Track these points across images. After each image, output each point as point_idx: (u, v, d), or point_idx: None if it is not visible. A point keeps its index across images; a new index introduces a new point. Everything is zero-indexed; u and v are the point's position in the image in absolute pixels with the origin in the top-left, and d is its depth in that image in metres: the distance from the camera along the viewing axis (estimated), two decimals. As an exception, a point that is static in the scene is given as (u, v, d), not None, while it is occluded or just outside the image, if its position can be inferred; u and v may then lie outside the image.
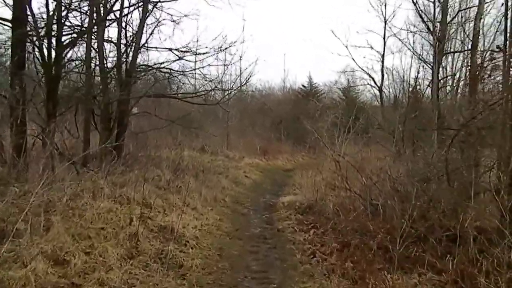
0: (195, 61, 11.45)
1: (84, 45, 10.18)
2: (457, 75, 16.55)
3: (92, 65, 10.39)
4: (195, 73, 11.37)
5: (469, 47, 13.64)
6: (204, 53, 10.26)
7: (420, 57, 16.58)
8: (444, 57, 16.50)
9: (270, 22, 49.85)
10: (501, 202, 5.00)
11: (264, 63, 29.14)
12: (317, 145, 23.23)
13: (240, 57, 10.61)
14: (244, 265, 5.19)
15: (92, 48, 10.93)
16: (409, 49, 17.42)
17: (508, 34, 8.09)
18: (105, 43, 10.90)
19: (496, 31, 11.82)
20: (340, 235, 6.17)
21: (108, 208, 5.72)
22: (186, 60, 11.45)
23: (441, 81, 15.61)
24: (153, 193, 7.83)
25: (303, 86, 36.22)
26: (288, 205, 9.09)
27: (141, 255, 4.84)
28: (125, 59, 11.78)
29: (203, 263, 5.01)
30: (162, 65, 12.17)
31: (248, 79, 11.01)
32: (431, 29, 14.72)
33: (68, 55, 10.12)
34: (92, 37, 10.12)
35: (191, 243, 5.41)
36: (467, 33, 14.17)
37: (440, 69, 15.21)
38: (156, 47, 11.69)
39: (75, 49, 10.86)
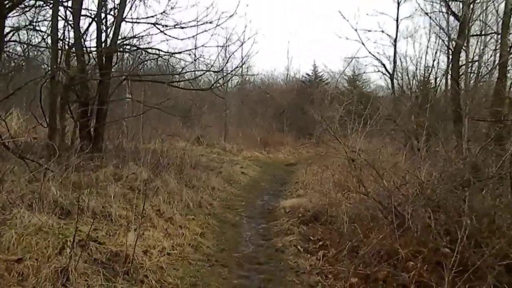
0: (185, 38, 9.81)
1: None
2: (485, 59, 14.86)
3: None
4: (196, 59, 9.67)
5: (497, 28, 11.97)
6: (191, 26, 8.56)
7: (442, 39, 14.83)
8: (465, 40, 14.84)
9: (273, 9, 47.79)
10: None
11: (265, 50, 27.43)
12: (323, 137, 21.55)
13: (242, 42, 8.95)
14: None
15: (64, 20, 9.32)
16: (428, 31, 15.63)
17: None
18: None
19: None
20: (360, 263, 4.55)
21: (39, 225, 4.10)
22: (171, 36, 9.78)
23: (462, 67, 13.93)
24: (121, 197, 6.23)
25: (307, 74, 34.65)
26: (290, 211, 7.49)
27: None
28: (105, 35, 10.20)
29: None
30: (149, 45, 10.57)
31: (245, 60, 9.32)
32: (452, 8, 13.03)
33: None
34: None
35: (151, 279, 3.79)
36: (498, 11, 12.41)
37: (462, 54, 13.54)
38: (137, 19, 9.97)
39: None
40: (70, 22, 9.23)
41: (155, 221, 5.39)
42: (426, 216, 5.48)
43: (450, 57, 14.58)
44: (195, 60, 9.38)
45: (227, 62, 8.82)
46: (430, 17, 15.36)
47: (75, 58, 10.04)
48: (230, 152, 16.14)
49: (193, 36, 9.65)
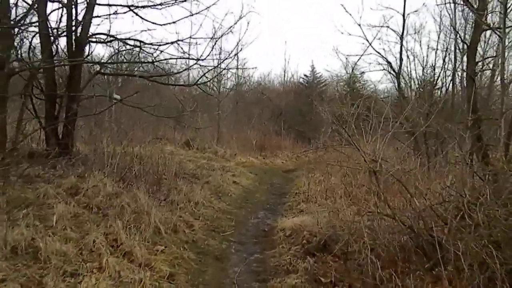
0: (166, 24, 8.24)
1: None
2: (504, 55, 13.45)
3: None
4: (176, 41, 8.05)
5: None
6: (170, 5, 7.00)
7: (456, 33, 13.35)
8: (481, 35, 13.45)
9: (271, 10, 46.19)
10: None
11: (262, 50, 25.96)
12: (327, 142, 20.09)
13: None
14: None
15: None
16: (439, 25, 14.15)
17: None
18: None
19: None
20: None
21: None
22: (150, 21, 8.24)
23: (478, 63, 12.48)
24: (69, 221, 4.67)
25: (305, 75, 33.23)
26: (291, 235, 5.94)
27: None
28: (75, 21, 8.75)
29: None
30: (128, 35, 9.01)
31: (239, 49, 7.77)
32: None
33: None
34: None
35: None
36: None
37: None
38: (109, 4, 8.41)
39: None
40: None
41: (104, 260, 3.80)
42: (481, 252, 3.98)
43: (465, 52, 13.12)
44: (186, 53, 7.83)
45: (211, 48, 7.25)
46: (441, 10, 13.98)
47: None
48: (222, 157, 14.55)
49: (174, 22, 8.17)
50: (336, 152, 7.14)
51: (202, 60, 7.18)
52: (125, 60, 9.71)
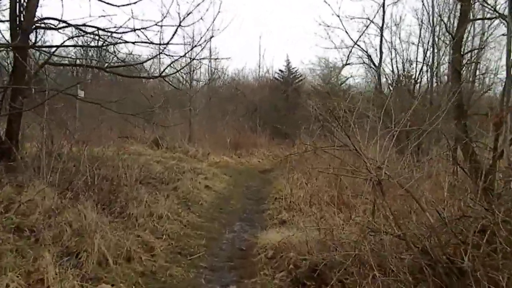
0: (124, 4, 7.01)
1: None
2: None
3: None
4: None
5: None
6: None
7: (444, 22, 12.64)
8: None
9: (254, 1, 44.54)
10: None
11: (236, 46, 24.66)
12: (301, 140, 19.22)
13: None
14: None
15: None
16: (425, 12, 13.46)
17: None
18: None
19: None
20: None
21: None
22: (105, 2, 6.99)
23: (464, 56, 11.81)
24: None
25: (280, 70, 32.29)
26: (274, 256, 4.90)
27: None
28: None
29: None
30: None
31: (206, 39, 6.64)
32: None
33: None
34: None
35: None
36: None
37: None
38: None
39: None
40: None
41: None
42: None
43: (450, 45, 12.43)
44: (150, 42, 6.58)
45: (175, 33, 6.11)
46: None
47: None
48: (194, 157, 13.39)
49: (135, 2, 6.95)
50: (324, 153, 6.16)
51: (165, 45, 6.03)
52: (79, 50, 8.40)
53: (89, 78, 26.69)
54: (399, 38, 16.64)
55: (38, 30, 8.34)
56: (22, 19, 7.83)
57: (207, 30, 6.57)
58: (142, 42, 5.99)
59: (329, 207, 7.09)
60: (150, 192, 6.85)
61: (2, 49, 7.35)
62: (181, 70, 12.44)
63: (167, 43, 6.14)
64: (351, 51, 15.25)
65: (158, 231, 5.31)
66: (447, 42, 13.03)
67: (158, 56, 7.74)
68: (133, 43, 6.27)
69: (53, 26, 8.39)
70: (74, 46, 8.59)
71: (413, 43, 15.31)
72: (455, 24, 12.08)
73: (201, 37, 6.57)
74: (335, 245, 4.43)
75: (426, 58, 14.60)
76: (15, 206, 4.93)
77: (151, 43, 6.07)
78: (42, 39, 9.89)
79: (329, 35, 16.30)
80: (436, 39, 13.99)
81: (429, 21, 14.60)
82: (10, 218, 4.63)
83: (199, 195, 7.74)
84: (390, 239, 4.04)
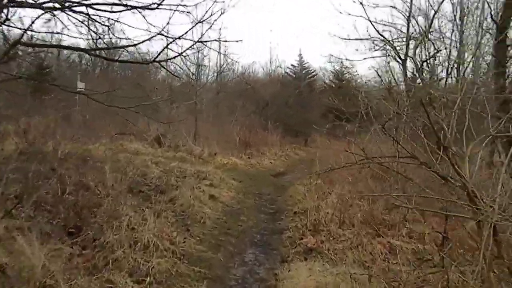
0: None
1: None
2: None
3: None
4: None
5: None
6: None
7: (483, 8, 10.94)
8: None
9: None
10: None
11: (246, 41, 22.92)
12: (315, 138, 17.79)
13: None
14: None
15: None
16: None
17: None
18: None
19: None
20: None
21: None
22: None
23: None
24: None
25: (292, 65, 30.81)
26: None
27: None
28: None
29: None
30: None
31: (212, 14, 5.09)
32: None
33: None
34: None
35: None
36: None
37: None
38: None
39: None
40: None
41: None
42: None
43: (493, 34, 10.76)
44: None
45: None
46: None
47: None
48: (199, 158, 11.89)
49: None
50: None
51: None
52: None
53: (96, 72, 25.30)
54: (429, 27, 14.90)
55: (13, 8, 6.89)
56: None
57: (212, 4, 5.03)
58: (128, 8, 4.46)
59: (364, 228, 5.58)
60: (138, 207, 5.35)
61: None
62: (186, 58, 10.92)
63: (167, 24, 4.65)
64: (374, 42, 13.67)
65: (141, 271, 3.80)
66: (491, 32, 11.34)
67: (154, 38, 6.27)
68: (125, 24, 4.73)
69: (33, 2, 6.93)
70: (64, 47, 7.03)
71: (452, 30, 13.61)
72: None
73: (207, 11, 5.02)
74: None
75: (462, 47, 13.00)
76: None
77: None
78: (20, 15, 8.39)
79: (354, 25, 14.59)
80: (477, 28, 12.41)
81: (467, 7, 13.02)
82: None
83: (201, 210, 6.19)
84: None
